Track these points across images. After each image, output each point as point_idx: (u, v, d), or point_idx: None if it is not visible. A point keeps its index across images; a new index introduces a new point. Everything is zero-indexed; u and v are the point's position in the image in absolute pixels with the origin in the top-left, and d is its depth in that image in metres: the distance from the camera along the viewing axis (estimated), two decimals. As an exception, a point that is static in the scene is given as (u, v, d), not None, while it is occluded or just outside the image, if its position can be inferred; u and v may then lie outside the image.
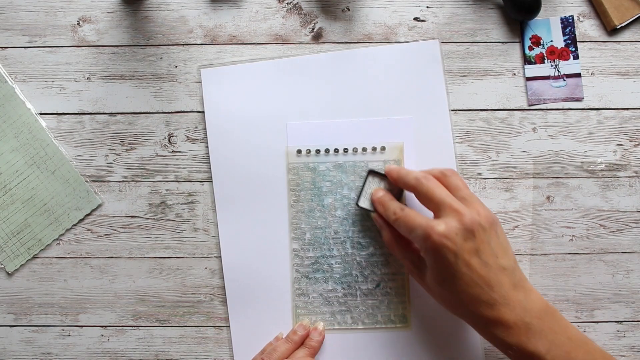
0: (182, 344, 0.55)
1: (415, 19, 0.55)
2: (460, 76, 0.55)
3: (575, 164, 0.55)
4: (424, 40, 0.55)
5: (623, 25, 0.54)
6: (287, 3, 0.56)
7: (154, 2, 0.55)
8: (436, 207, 0.45)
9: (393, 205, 0.48)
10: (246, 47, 0.55)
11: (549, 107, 0.55)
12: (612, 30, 0.55)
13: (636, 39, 0.55)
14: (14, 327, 0.54)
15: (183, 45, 0.55)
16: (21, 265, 0.54)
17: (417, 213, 0.46)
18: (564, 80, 0.55)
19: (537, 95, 0.55)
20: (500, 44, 0.55)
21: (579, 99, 0.55)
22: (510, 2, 0.53)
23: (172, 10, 0.56)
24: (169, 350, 0.55)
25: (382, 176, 0.52)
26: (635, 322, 0.54)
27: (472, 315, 0.43)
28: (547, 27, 0.55)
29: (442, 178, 0.47)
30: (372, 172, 0.52)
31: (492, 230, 0.43)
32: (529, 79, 0.55)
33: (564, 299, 0.54)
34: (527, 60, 0.55)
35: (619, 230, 0.54)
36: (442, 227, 0.42)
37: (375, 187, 0.52)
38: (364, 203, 0.52)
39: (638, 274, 0.54)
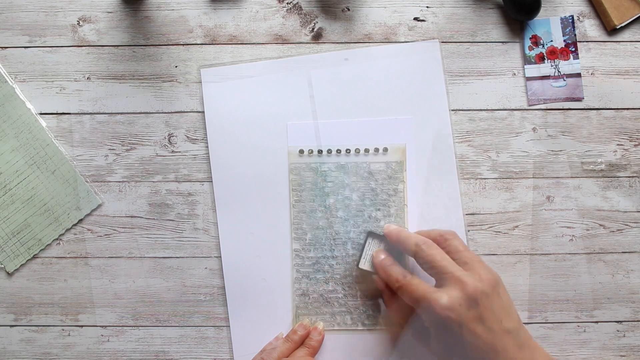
0: (182, 344, 0.55)
1: (415, 18, 0.55)
2: (460, 76, 0.55)
3: (575, 164, 0.55)
4: (424, 40, 0.55)
5: (623, 25, 0.54)
6: (287, 3, 0.56)
7: (154, 2, 0.55)
8: (438, 275, 0.45)
9: (395, 271, 0.48)
10: (246, 47, 0.55)
11: (549, 107, 0.55)
12: (612, 30, 0.55)
13: (636, 39, 0.55)
14: (14, 327, 0.54)
15: (183, 45, 0.55)
16: (21, 265, 0.54)
17: (419, 281, 0.46)
18: (564, 80, 0.55)
19: (537, 95, 0.55)
20: (500, 44, 0.55)
21: (579, 99, 0.55)
22: (510, 2, 0.53)
23: (172, 10, 0.55)
24: (169, 350, 0.55)
25: (382, 237, 0.52)
26: (635, 322, 0.54)
27: None
28: (547, 27, 0.55)
29: (442, 242, 0.47)
30: (371, 234, 0.52)
31: (495, 294, 0.44)
32: (529, 79, 0.55)
33: (564, 299, 0.54)
34: (527, 60, 0.55)
35: (618, 230, 0.54)
36: (445, 299, 0.42)
37: (375, 248, 0.51)
38: (365, 265, 0.51)
39: (638, 274, 0.54)
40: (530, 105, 0.55)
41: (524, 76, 0.55)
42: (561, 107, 0.55)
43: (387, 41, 0.55)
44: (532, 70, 0.55)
